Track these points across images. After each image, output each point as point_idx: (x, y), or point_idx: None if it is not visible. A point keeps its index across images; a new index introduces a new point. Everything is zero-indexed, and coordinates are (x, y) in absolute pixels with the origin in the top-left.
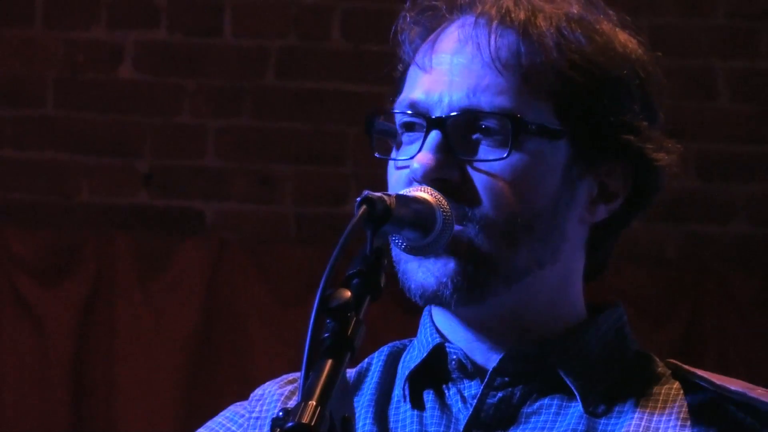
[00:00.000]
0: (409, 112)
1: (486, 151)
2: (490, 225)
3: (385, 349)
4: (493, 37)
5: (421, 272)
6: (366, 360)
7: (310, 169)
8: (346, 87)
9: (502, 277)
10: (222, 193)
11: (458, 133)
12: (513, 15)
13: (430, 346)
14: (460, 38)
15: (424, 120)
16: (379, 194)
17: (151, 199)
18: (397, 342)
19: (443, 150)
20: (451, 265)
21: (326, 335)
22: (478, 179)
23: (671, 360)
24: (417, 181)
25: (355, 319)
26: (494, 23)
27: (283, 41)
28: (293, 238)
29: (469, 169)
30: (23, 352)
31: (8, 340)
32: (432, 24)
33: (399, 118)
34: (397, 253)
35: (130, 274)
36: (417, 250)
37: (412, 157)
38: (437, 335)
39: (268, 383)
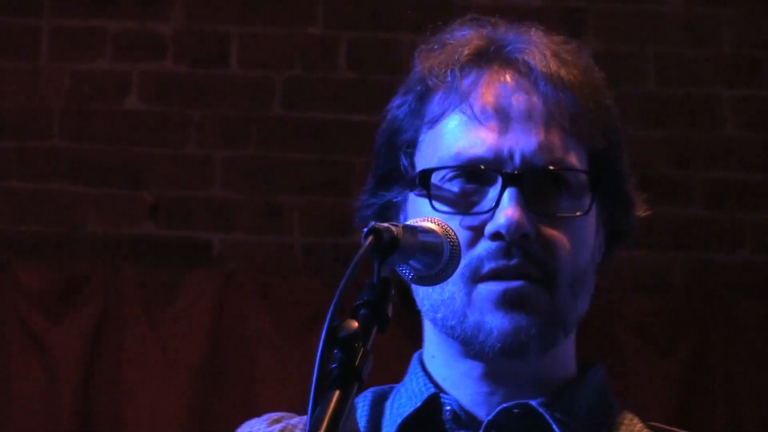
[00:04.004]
0: (481, 167)
1: (564, 207)
2: (561, 279)
3: (368, 394)
4: (550, 89)
5: (507, 321)
6: None
7: (317, 199)
8: (352, 117)
9: (568, 328)
10: (229, 224)
11: (533, 188)
12: (557, 67)
13: (424, 395)
14: (514, 89)
15: (498, 174)
16: (386, 224)
17: (157, 230)
18: (378, 387)
19: (522, 206)
20: (531, 318)
21: (334, 366)
22: (552, 234)
23: (653, 423)
24: (503, 235)
25: (362, 349)
26: (545, 75)
27: (289, 72)
28: (300, 269)
29: (542, 225)
30: (30, 384)
31: (15, 371)
32: (477, 68)
33: (458, 171)
34: (479, 304)
35: (137, 306)
36: (424, 280)
37: (487, 211)
38: (431, 385)
39: (253, 420)
